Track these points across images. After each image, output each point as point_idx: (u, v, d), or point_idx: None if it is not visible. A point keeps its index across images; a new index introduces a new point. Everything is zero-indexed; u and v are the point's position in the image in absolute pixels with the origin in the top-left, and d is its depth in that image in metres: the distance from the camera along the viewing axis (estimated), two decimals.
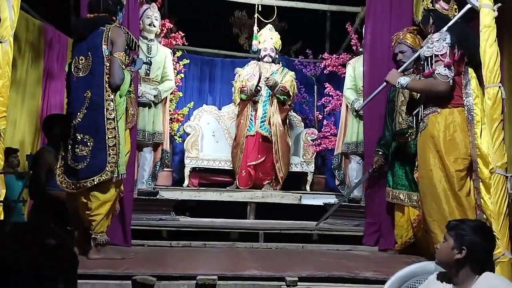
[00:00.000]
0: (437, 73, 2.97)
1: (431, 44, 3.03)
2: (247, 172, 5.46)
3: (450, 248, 1.86)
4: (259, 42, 5.80)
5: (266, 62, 5.70)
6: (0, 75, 2.61)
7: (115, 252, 3.16)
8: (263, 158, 5.47)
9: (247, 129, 5.53)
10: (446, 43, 2.97)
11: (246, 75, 5.65)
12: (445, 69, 2.96)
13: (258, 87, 5.45)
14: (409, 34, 3.76)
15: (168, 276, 2.60)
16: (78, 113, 2.99)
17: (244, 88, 5.53)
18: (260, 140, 5.51)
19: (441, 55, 2.97)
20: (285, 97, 5.60)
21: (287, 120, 5.85)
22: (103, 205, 3.02)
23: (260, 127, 5.51)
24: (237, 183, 5.48)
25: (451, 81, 2.98)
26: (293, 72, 5.92)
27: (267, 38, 5.75)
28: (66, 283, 0.77)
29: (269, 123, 5.53)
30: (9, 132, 4.61)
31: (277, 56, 5.82)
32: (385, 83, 3.34)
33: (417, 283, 2.19)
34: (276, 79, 5.52)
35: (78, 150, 2.96)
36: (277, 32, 5.91)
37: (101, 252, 3.04)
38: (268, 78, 5.49)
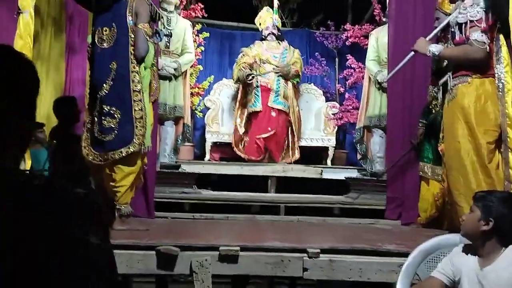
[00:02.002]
0: (473, 40, 2.85)
1: (463, 9, 2.90)
2: (257, 144, 5.48)
3: (476, 220, 1.82)
4: (260, 24, 5.88)
5: (271, 40, 5.74)
6: (22, 46, 2.62)
7: (139, 223, 3.20)
8: (273, 131, 5.48)
9: (251, 105, 5.56)
10: (481, 7, 2.85)
11: (253, 54, 5.65)
12: (482, 35, 2.84)
13: (250, 76, 5.50)
14: (446, 1, 3.61)
15: (191, 247, 2.63)
16: (104, 85, 2.97)
17: (242, 69, 5.53)
18: (273, 114, 5.51)
19: (476, 20, 2.85)
20: (298, 79, 5.75)
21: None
22: (127, 176, 3.04)
23: (274, 101, 5.51)
24: (245, 155, 5.51)
25: (487, 47, 2.87)
26: (298, 50, 5.92)
27: (267, 18, 5.81)
28: (97, 236, 0.77)
29: (284, 97, 5.55)
30: None
31: (279, 33, 5.83)
32: (412, 53, 3.22)
33: (441, 255, 2.16)
34: (288, 69, 5.56)
35: (105, 122, 2.96)
36: (274, 11, 5.89)
37: (125, 223, 3.07)
38: (279, 67, 5.54)
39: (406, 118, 4.00)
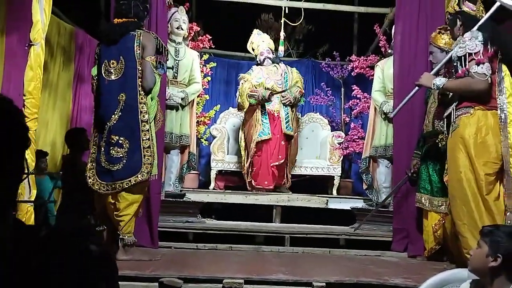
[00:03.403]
0: (473, 72, 2.90)
1: (463, 43, 2.96)
2: (272, 173, 5.45)
3: (484, 255, 1.78)
4: (253, 50, 5.77)
5: (267, 65, 5.62)
6: (32, 77, 2.67)
7: (142, 253, 3.18)
8: (283, 160, 5.46)
9: (259, 134, 5.46)
10: (479, 41, 2.91)
11: (255, 80, 5.56)
12: (481, 67, 2.88)
13: (271, 95, 5.45)
14: (439, 35, 3.67)
15: (195, 279, 2.60)
16: (113, 116, 3.04)
17: (254, 94, 5.46)
18: (283, 142, 5.49)
19: (474, 53, 2.90)
20: (302, 98, 5.82)
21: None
22: (131, 205, 3.06)
23: (287, 128, 5.48)
24: (256, 183, 5.44)
25: (489, 79, 2.91)
26: (295, 68, 5.87)
27: (260, 43, 5.70)
28: None
29: (292, 124, 5.55)
30: (41, 134, 4.73)
31: (274, 55, 5.71)
32: (417, 88, 3.27)
33: None
34: (293, 94, 5.52)
35: (113, 151, 3.01)
36: (265, 34, 5.87)
37: (128, 253, 3.06)
38: (285, 97, 5.49)
39: (412, 148, 3.99)
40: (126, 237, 3.06)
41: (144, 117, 3.04)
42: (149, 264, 2.92)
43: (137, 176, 2.99)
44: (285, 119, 5.51)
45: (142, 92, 3.06)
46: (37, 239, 0.76)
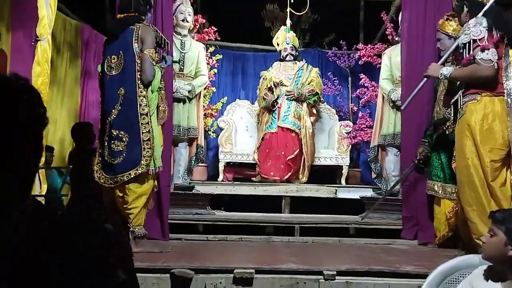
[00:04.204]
0: (479, 59, 2.88)
1: (468, 30, 2.93)
2: (279, 165, 5.45)
3: (502, 244, 1.74)
4: (277, 44, 5.89)
5: (289, 60, 5.76)
6: (39, 73, 2.68)
7: (153, 245, 3.21)
8: (297, 150, 5.47)
9: (267, 127, 5.58)
10: (483, 27, 2.89)
11: (273, 75, 5.68)
12: (486, 53, 2.86)
13: (275, 103, 5.53)
14: (446, 21, 3.64)
15: (206, 269, 2.62)
16: (113, 110, 3.10)
17: (266, 97, 5.57)
18: (293, 134, 5.51)
19: (479, 39, 2.88)
20: (315, 98, 5.69)
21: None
22: (139, 198, 3.11)
23: (282, 120, 5.52)
24: (265, 175, 5.45)
25: (496, 64, 2.88)
26: (317, 68, 5.94)
27: (283, 39, 5.81)
28: (125, 270, 0.77)
29: (296, 117, 5.54)
30: (50, 131, 4.76)
31: (297, 53, 5.85)
32: (425, 79, 3.26)
33: (460, 277, 2.11)
34: (300, 90, 5.55)
35: (114, 145, 3.07)
36: (292, 31, 5.94)
37: (139, 245, 3.09)
38: (289, 91, 5.55)
39: (421, 137, 3.97)
40: (137, 229, 3.11)
41: (143, 110, 3.07)
42: (160, 256, 2.95)
43: (137, 169, 3.04)
44: (284, 113, 5.53)
45: (141, 85, 3.09)
46: (54, 220, 0.77)
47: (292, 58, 5.77)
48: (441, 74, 3.12)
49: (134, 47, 3.10)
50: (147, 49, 3.10)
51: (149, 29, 3.18)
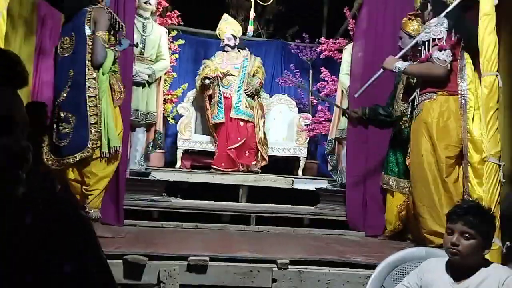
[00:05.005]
0: (434, 57, 2.99)
1: (428, 29, 3.03)
2: (228, 155, 5.50)
3: (481, 248, 1.73)
4: (219, 34, 5.91)
5: (228, 51, 5.81)
6: None
7: (105, 230, 3.16)
8: (243, 140, 5.54)
9: (213, 117, 5.65)
10: (444, 27, 2.99)
11: (215, 65, 5.75)
12: (442, 53, 2.97)
13: (207, 81, 5.66)
14: (409, 21, 3.74)
15: (160, 256, 2.60)
16: (62, 92, 3.07)
17: (206, 80, 5.67)
18: (241, 123, 5.59)
19: (438, 39, 2.99)
20: (262, 89, 5.91)
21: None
22: (101, 180, 3.11)
23: (235, 112, 5.59)
24: (216, 166, 5.53)
25: (448, 65, 3.00)
26: (259, 58, 6.01)
27: (223, 29, 5.84)
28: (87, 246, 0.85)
29: (249, 107, 5.63)
30: None
31: (237, 42, 5.85)
32: (382, 70, 3.34)
33: (407, 268, 2.20)
34: (254, 85, 5.68)
35: (61, 128, 3.04)
36: (232, 19, 5.98)
37: None
38: (247, 89, 5.65)
39: (366, 132, 4.07)
40: (92, 211, 3.09)
41: (92, 92, 3.05)
42: (113, 241, 2.90)
43: (83, 152, 3.02)
44: (236, 104, 5.58)
45: (92, 67, 3.06)
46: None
47: (230, 48, 5.80)
48: (395, 67, 3.21)
49: (85, 29, 3.08)
50: (100, 31, 3.07)
51: (103, 11, 3.14)
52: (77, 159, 3.02)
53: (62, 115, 3.04)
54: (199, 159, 5.97)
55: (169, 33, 5.50)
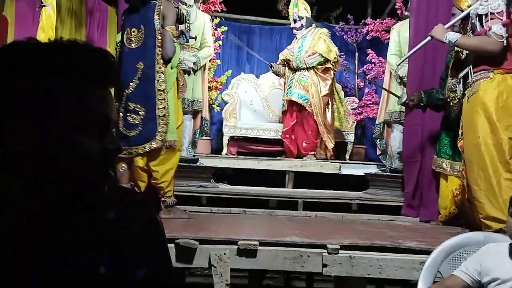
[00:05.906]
0: (492, 32, 2.82)
1: (485, 1, 2.86)
2: (286, 140, 5.45)
3: None
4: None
5: (296, 33, 5.65)
6: (44, 39, 2.62)
7: (182, 212, 3.36)
8: (293, 122, 5.42)
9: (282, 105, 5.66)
10: (502, 0, 2.81)
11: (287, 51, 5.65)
12: (500, 28, 2.80)
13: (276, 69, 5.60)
14: None
15: (210, 240, 2.63)
16: (131, 83, 3.11)
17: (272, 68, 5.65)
18: (293, 106, 5.44)
19: (497, 13, 2.82)
20: (320, 61, 5.41)
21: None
22: (168, 172, 3.20)
23: (287, 94, 5.46)
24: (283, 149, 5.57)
25: (505, 41, 2.82)
26: (324, 29, 5.67)
27: (291, 11, 5.69)
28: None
29: (303, 88, 5.39)
30: None
31: (303, 23, 5.59)
32: (429, 38, 3.18)
33: (464, 253, 2.11)
34: (297, 59, 5.42)
35: (130, 118, 3.10)
36: (295, 4, 5.70)
37: (170, 212, 3.25)
38: (271, 66, 5.56)
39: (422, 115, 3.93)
40: (167, 199, 3.23)
41: (161, 86, 3.09)
42: (166, 226, 2.95)
43: (151, 143, 3.08)
44: (288, 85, 5.46)
45: (161, 61, 3.10)
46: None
47: (295, 31, 5.63)
48: (446, 37, 3.03)
49: (155, 23, 3.10)
50: (169, 26, 3.10)
51: (171, 5, 3.17)
52: (146, 150, 3.09)
53: (132, 106, 3.10)
54: (244, 146, 5.99)
55: (212, 20, 5.51)
